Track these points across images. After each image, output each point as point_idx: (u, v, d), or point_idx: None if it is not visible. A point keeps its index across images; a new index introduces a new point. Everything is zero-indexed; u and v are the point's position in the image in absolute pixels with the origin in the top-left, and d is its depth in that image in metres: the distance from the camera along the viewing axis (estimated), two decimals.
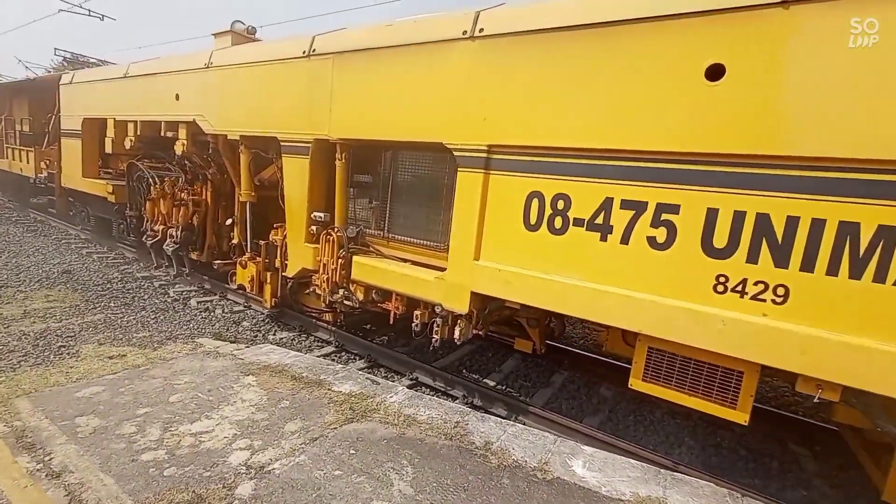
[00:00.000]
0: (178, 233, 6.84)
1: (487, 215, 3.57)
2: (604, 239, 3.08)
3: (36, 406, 3.20)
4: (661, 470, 2.92)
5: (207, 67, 5.84)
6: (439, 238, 4.20)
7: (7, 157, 12.32)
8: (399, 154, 4.47)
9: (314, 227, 4.87)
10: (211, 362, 4.23)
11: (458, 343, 4.01)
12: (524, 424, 3.81)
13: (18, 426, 2.93)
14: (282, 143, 4.95)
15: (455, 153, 3.66)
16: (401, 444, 3.01)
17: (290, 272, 5.27)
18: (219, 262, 6.71)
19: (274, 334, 5.87)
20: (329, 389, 3.77)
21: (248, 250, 5.98)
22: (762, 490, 3.52)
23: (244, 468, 2.66)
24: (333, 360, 5.36)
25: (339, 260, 4.62)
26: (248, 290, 5.97)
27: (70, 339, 4.74)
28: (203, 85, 5.94)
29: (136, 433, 2.94)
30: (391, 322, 4.57)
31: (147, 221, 7.42)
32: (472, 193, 3.60)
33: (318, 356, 5.33)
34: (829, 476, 3.80)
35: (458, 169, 3.65)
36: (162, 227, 7.15)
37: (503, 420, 3.52)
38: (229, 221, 6.62)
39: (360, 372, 4.33)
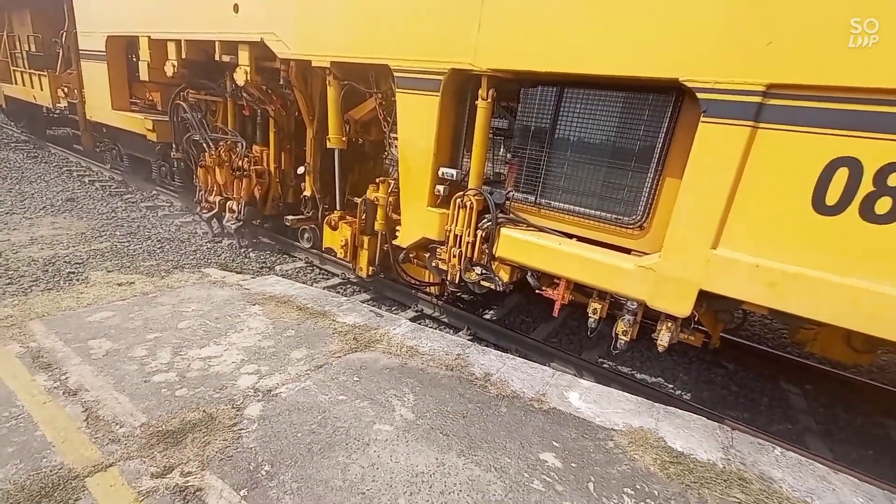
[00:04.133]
0: (242, 207, 5.94)
1: (745, 187, 2.52)
2: None
3: (49, 328, 3.30)
4: (655, 404, 3.01)
5: None
6: (627, 210, 3.17)
7: (16, 83, 10.69)
8: (570, 93, 3.26)
9: (440, 188, 3.89)
10: (218, 291, 4.29)
11: (660, 351, 3.15)
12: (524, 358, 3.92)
13: (34, 347, 3.04)
14: (397, 75, 3.79)
15: (701, 96, 2.55)
16: (403, 374, 3.11)
17: (405, 240, 4.27)
18: (290, 217, 5.77)
19: (281, 265, 5.93)
20: (333, 320, 3.84)
21: (339, 208, 5.09)
22: (750, 423, 3.67)
23: (252, 391, 2.77)
24: (338, 292, 5.45)
25: (480, 232, 3.70)
26: (339, 255, 5.08)
27: (78, 265, 4.81)
28: None
29: (148, 356, 3.04)
30: (554, 314, 3.66)
31: (201, 191, 6.45)
32: (720, 154, 2.54)
33: (323, 288, 5.41)
34: (814, 412, 3.94)
35: (702, 119, 2.58)
36: (219, 198, 6.19)
37: (503, 353, 3.60)
38: (301, 170, 5.62)
39: (363, 304, 4.40)
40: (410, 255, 4.58)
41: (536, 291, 3.69)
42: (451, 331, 4.67)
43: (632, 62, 2.75)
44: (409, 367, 3.21)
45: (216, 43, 5.30)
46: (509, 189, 3.69)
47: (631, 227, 3.18)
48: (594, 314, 3.43)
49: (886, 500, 2.34)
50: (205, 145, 6.18)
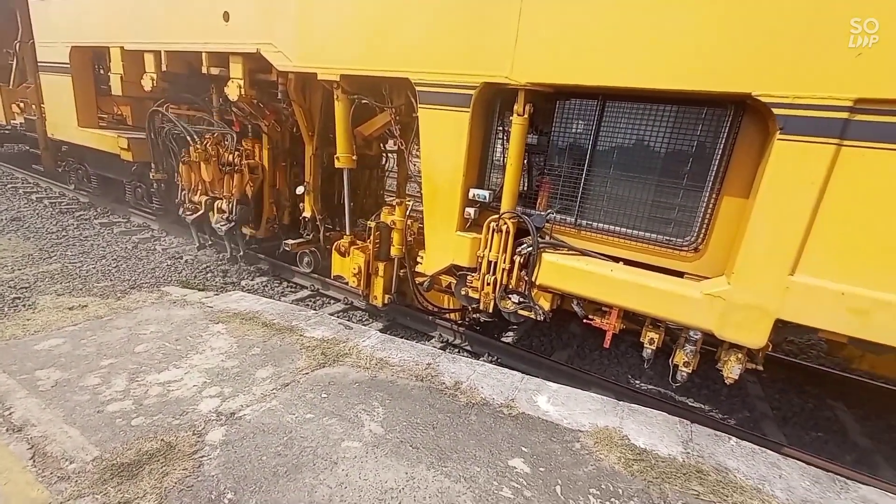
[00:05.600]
0: (233, 207, 5.43)
1: (828, 208, 2.33)
2: None
3: None
4: (620, 402, 3.09)
5: None
6: (679, 231, 2.98)
7: None
8: (614, 106, 3.06)
9: (470, 210, 3.63)
10: (178, 311, 4.13)
11: (727, 383, 2.92)
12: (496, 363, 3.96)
13: None
14: (420, 90, 3.52)
15: (777, 111, 2.36)
16: (372, 387, 3.08)
17: (430, 267, 3.97)
18: (290, 241, 5.42)
19: (248, 280, 5.78)
20: (301, 335, 3.77)
21: (348, 232, 4.73)
22: (710, 412, 3.83)
23: (214, 415, 2.68)
24: (308, 305, 5.35)
25: (517, 258, 3.45)
26: (351, 284, 4.63)
27: (24, 290, 4.54)
28: None
29: (101, 384, 2.90)
30: (605, 345, 3.38)
31: (183, 191, 5.86)
32: (800, 174, 2.35)
33: (291, 301, 5.31)
34: (770, 399, 4.14)
35: (779, 136, 2.38)
36: (205, 198, 5.66)
37: (473, 360, 3.63)
38: (300, 190, 5.23)
39: (332, 317, 4.33)
40: (434, 283, 4.29)
41: (584, 321, 3.44)
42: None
43: (697, 75, 2.53)
44: (378, 379, 3.19)
45: (203, 54, 4.89)
46: (549, 211, 3.42)
47: (684, 249, 2.98)
48: (650, 344, 3.19)
49: (831, 481, 2.48)
50: (188, 139, 5.60)
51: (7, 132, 9.43)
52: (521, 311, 3.60)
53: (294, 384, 3.05)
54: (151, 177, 6.27)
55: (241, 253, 5.90)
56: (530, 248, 3.37)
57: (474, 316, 4.35)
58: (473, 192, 3.59)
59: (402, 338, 4.45)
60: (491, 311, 3.72)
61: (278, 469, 2.29)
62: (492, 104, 3.51)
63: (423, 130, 3.66)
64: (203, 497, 2.09)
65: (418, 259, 4.19)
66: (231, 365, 3.24)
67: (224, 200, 5.50)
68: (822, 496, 2.39)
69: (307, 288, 5.66)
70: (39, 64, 7.06)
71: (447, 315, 4.65)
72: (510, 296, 3.59)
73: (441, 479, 2.30)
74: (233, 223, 5.49)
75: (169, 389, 2.90)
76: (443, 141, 3.55)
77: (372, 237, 4.34)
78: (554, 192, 3.43)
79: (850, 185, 2.28)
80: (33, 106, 7.93)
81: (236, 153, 5.34)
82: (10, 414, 2.57)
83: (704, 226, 2.90)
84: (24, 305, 4.18)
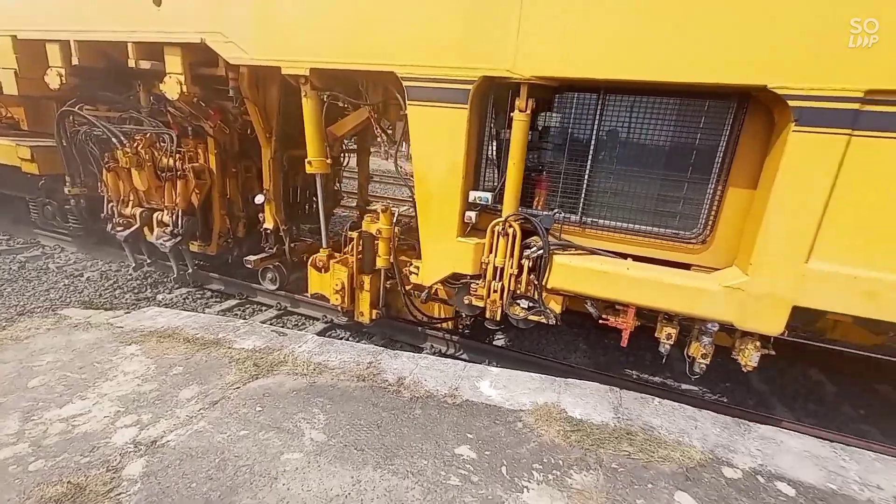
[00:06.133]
0: (178, 220, 4.79)
1: (839, 196, 2.42)
2: None
3: None
4: (556, 378, 3.25)
5: None
6: (686, 224, 3.00)
7: None
8: (616, 99, 2.99)
9: (471, 214, 3.40)
10: (81, 335, 3.68)
11: (745, 371, 2.98)
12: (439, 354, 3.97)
13: None
14: (408, 84, 3.20)
15: (793, 103, 2.39)
16: (311, 393, 2.96)
17: (429, 277, 3.67)
18: (251, 258, 4.91)
19: (164, 293, 5.28)
20: (230, 348, 3.52)
21: (325, 245, 4.27)
22: (638, 378, 4.15)
23: (132, 446, 2.42)
24: (236, 314, 5.02)
25: (526, 261, 3.26)
26: (334, 301, 4.18)
27: None
28: None
29: None
30: (623, 344, 3.29)
31: (110, 203, 5.12)
32: (815, 164, 2.42)
33: (217, 312, 4.95)
34: (682, 359, 4.58)
35: (793, 128, 2.41)
36: (139, 209, 4.99)
37: (415, 354, 3.61)
38: (259, 199, 4.72)
39: (263, 325, 4.09)
40: (432, 294, 3.97)
41: (599, 321, 3.37)
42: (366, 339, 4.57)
43: (712, 67, 2.49)
44: (317, 385, 3.07)
45: (129, 45, 4.24)
46: (555, 210, 3.28)
47: (692, 241, 3.01)
48: (668, 339, 3.16)
49: (737, 425, 2.80)
50: (113, 141, 4.85)
51: None
52: (531, 317, 3.44)
53: (224, 401, 2.85)
54: (67, 192, 5.37)
55: (190, 271, 5.26)
56: (541, 251, 3.19)
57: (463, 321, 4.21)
58: (474, 194, 3.35)
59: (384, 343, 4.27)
60: (498, 318, 3.52)
61: (210, 495, 2.12)
62: (486, 99, 3.28)
63: (413, 130, 3.33)
64: None
65: (411, 270, 3.87)
66: (149, 388, 2.95)
67: (165, 212, 4.84)
68: (731, 440, 2.69)
69: (273, 307, 5.14)
70: None
71: (438, 324, 4.41)
72: (519, 301, 3.44)
73: (389, 477, 2.27)
74: (178, 237, 4.82)
75: (73, 425, 2.57)
76: (437, 141, 3.25)
77: (354, 248, 3.99)
78: (552, 190, 3.30)
79: (860, 173, 2.36)
80: None
81: (177, 156, 4.68)
82: None
83: (711, 217, 2.92)
84: None
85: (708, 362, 3.13)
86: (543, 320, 3.43)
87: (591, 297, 3.28)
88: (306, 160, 3.96)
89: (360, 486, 2.21)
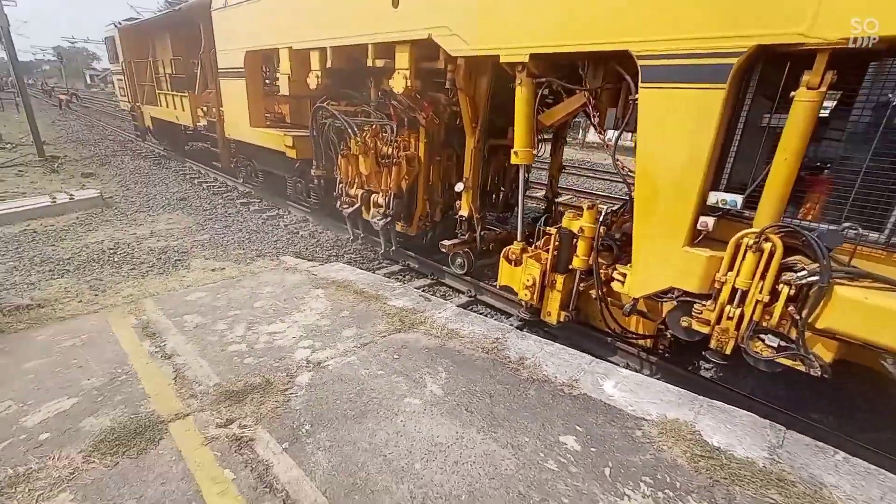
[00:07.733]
0: (390, 201, 5.29)
1: None
2: None
3: (157, 305, 4.02)
4: (698, 397, 2.83)
5: None
6: None
7: (160, 105, 11.38)
8: None
9: (708, 220, 2.79)
10: (290, 276, 4.83)
11: None
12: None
13: (144, 319, 3.73)
14: (644, 63, 2.77)
15: None
16: (440, 354, 3.29)
17: (639, 289, 3.23)
18: (447, 242, 5.13)
19: (350, 254, 6.45)
20: (385, 303, 4.14)
21: (520, 238, 4.07)
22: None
23: (305, 362, 3.14)
24: (398, 278, 5.78)
25: (787, 287, 2.56)
26: (521, 296, 3.98)
27: (184, 254, 5.70)
28: None
29: (226, 330, 3.58)
30: None
31: (341, 184, 5.92)
32: None
33: (383, 274, 5.79)
34: None
35: None
36: (361, 191, 5.66)
37: (542, 339, 3.61)
38: (459, 187, 4.88)
39: (415, 290, 4.65)
40: (637, 308, 3.45)
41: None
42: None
43: None
44: (446, 347, 3.38)
45: (369, 47, 4.69)
46: (845, 224, 2.49)
47: None
48: None
49: None
50: (349, 132, 5.64)
51: (190, 133, 11.08)
52: (780, 359, 2.68)
53: (371, 344, 3.40)
54: (312, 173, 6.50)
55: (394, 248, 5.79)
56: (814, 277, 2.44)
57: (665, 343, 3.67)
58: (716, 196, 2.73)
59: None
60: (728, 351, 2.84)
61: (348, 412, 2.62)
62: (748, 76, 2.67)
63: (644, 116, 2.87)
64: (287, 425, 2.50)
65: (613, 276, 3.53)
66: (324, 323, 3.72)
67: (381, 194, 5.45)
68: None
69: (464, 293, 5.19)
70: (219, 70, 7.74)
71: (635, 341, 3.83)
72: (763, 337, 2.72)
73: (489, 442, 2.40)
74: (389, 218, 5.39)
75: (274, 339, 3.46)
76: (677, 129, 2.72)
77: (551, 245, 3.74)
78: (840, 196, 2.53)
79: None
80: (214, 109, 9.05)
81: (394, 144, 5.21)
82: (164, 345, 3.34)
83: None
84: (182, 266, 5.28)
85: None
86: (800, 367, 2.63)
87: None
88: (513, 150, 3.85)
89: (462, 441, 2.40)
